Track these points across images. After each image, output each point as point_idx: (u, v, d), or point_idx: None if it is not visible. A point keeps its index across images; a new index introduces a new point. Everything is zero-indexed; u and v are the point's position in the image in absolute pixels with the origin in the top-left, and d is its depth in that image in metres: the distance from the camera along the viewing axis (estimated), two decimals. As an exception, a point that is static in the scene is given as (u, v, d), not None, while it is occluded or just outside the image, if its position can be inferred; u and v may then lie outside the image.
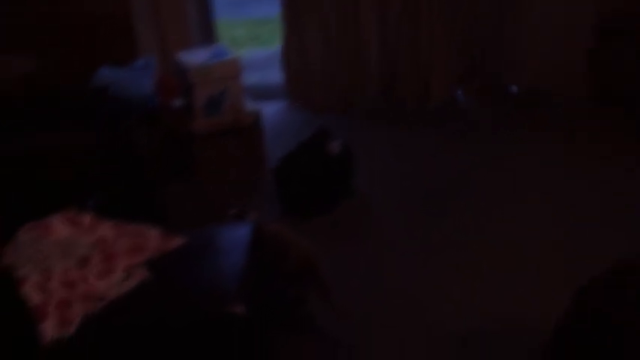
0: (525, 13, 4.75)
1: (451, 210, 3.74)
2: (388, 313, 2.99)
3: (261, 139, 4.23)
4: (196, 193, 4.00)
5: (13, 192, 2.93)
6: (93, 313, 2.17)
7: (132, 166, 3.45)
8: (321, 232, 3.58)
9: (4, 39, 4.16)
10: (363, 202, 3.92)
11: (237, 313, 2.12)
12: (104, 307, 2.19)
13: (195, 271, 2.34)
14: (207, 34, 5.04)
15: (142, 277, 2.28)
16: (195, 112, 4.04)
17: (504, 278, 3.17)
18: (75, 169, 3.11)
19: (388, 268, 3.31)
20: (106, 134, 3.36)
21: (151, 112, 3.91)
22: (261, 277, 2.47)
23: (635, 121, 4.48)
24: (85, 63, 4.09)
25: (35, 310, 2.14)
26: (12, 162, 3.07)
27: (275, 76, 5.24)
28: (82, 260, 2.38)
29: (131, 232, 2.51)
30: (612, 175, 3.91)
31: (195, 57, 4.10)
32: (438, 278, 3.21)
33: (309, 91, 5.03)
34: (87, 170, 3.11)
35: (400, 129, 4.77)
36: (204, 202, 3.92)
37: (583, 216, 3.58)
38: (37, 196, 2.91)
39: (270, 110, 4.90)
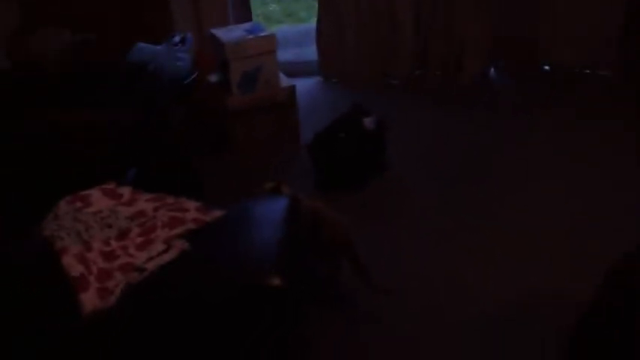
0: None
1: (478, 186, 3.75)
2: (403, 295, 2.98)
3: (295, 115, 4.26)
4: (231, 167, 4.03)
5: (49, 167, 2.96)
6: (133, 284, 2.20)
7: (169, 142, 3.47)
8: (351, 208, 3.52)
9: (40, 13, 4.20)
10: (395, 176, 3.94)
11: (275, 286, 2.14)
12: (144, 279, 2.22)
13: (232, 243, 2.36)
14: (242, 10, 5.05)
15: (182, 249, 2.31)
16: (231, 87, 4.06)
17: (520, 265, 3.16)
18: (112, 145, 3.13)
19: (408, 250, 3.32)
20: (143, 110, 3.39)
21: (188, 87, 3.95)
22: (298, 250, 2.48)
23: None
24: (120, 38, 4.13)
25: (76, 281, 2.17)
26: (47, 137, 3.09)
27: (309, 52, 5.25)
28: (121, 232, 2.42)
29: (170, 204, 2.55)
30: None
31: (230, 33, 4.12)
32: (455, 262, 3.22)
33: (343, 67, 5.04)
34: (125, 145, 3.13)
35: (431, 105, 4.77)
36: (239, 177, 3.95)
37: (602, 205, 3.54)
38: (74, 171, 2.94)
39: (305, 86, 4.91)
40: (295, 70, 4.97)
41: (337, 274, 2.95)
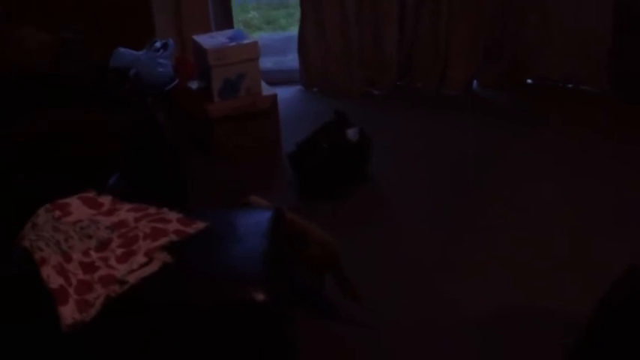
0: (548, 3, 4.69)
1: (464, 198, 3.73)
2: (402, 299, 2.99)
3: (277, 124, 4.22)
4: (211, 175, 3.99)
5: (28, 170, 2.90)
6: (113, 297, 2.14)
7: (152, 147, 3.42)
8: (333, 219, 3.53)
9: (18, 14, 4.13)
10: (379, 188, 3.91)
11: (259, 300, 2.10)
12: (125, 292, 2.16)
13: (215, 256, 2.31)
14: (223, 17, 5.00)
15: (164, 262, 2.25)
16: (212, 94, 4.02)
17: (519, 268, 3.16)
18: (93, 149, 3.07)
19: (401, 255, 3.31)
20: (125, 114, 3.33)
21: (169, 93, 3.90)
22: (282, 265, 2.44)
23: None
24: (100, 42, 4.08)
25: (55, 293, 2.11)
26: (27, 140, 3.03)
27: (290, 61, 5.21)
28: (102, 243, 2.36)
29: (151, 215, 2.49)
30: (629, 171, 3.87)
31: (212, 40, 4.09)
32: (453, 265, 3.21)
33: (325, 76, 4.99)
34: (106, 150, 3.07)
35: (416, 115, 4.74)
36: (219, 185, 3.90)
37: (598, 211, 3.55)
38: (54, 175, 2.88)
39: (286, 95, 4.85)
40: (275, 78, 4.92)
41: (322, 288, 2.91)
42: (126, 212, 2.52)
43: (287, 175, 3.90)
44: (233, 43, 4.02)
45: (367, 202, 3.77)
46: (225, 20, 5.00)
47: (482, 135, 4.37)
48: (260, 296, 2.12)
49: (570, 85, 4.89)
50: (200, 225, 2.44)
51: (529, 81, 4.99)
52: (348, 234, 3.27)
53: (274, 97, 4.15)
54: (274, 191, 3.76)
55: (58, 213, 2.49)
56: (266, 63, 5.15)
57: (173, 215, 2.48)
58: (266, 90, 4.19)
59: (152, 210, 2.53)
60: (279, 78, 5.05)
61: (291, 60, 5.16)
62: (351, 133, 3.76)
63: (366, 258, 3.26)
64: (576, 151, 4.12)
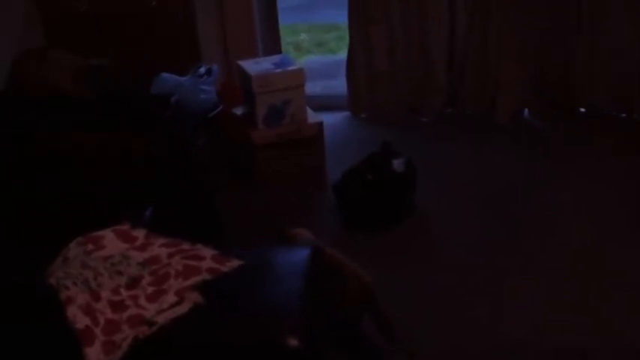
0: (600, 32, 4.56)
1: (508, 229, 3.63)
2: (439, 327, 2.93)
3: (322, 152, 4.13)
4: (254, 204, 3.92)
5: (60, 197, 2.84)
6: (141, 339, 2.06)
7: (190, 177, 3.35)
8: (377, 252, 3.47)
9: (66, 33, 4.12)
10: (424, 219, 3.81)
11: (291, 347, 2.00)
12: (153, 333, 2.08)
13: (249, 297, 2.22)
14: (271, 41, 4.94)
15: (195, 302, 2.17)
16: (257, 121, 3.95)
17: (557, 299, 3.10)
18: (132, 178, 3.01)
19: (445, 292, 3.21)
20: (165, 142, 3.27)
21: (212, 120, 3.84)
22: (318, 307, 2.34)
23: None
24: (144, 66, 4.05)
25: (81, 334, 2.04)
26: (60, 162, 2.98)
27: (340, 85, 5.12)
28: (133, 280, 2.28)
29: (185, 251, 2.41)
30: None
31: (258, 66, 4.02)
32: (495, 302, 3.12)
33: (373, 102, 4.90)
34: (144, 180, 3.00)
35: (464, 144, 4.63)
36: (262, 214, 3.83)
37: (633, 251, 3.42)
38: (90, 205, 2.82)
39: (332, 122, 4.76)
40: (323, 103, 4.87)
41: (359, 330, 2.80)
42: (159, 247, 2.45)
43: (331, 205, 3.81)
44: (278, 70, 3.95)
45: (411, 234, 3.68)
46: (273, 44, 4.94)
47: (530, 165, 4.25)
48: (293, 341, 2.02)
49: (624, 115, 4.73)
50: (235, 263, 2.35)
51: (581, 110, 4.83)
52: (388, 267, 3.22)
53: (320, 124, 4.07)
54: (317, 222, 3.67)
55: (90, 247, 2.44)
56: (314, 87, 5.12)
57: (207, 252, 2.40)
58: (312, 117, 4.11)
59: (186, 246, 2.45)
60: (327, 103, 4.99)
61: (341, 84, 5.07)
62: (397, 164, 3.67)
63: (405, 292, 3.16)
64: (625, 184, 3.98)
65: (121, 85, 3.68)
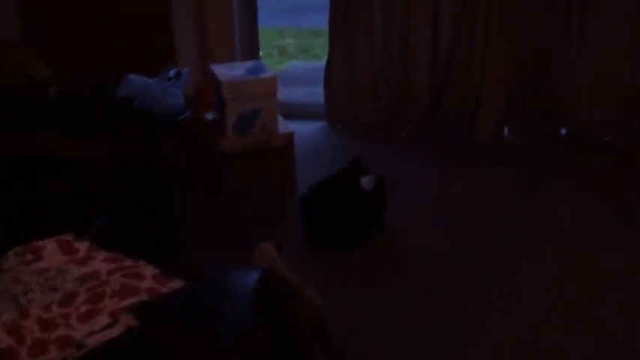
0: (587, 54, 4.46)
1: (482, 252, 3.52)
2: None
3: (292, 163, 4.02)
4: (219, 212, 3.82)
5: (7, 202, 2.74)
6: (68, 362, 1.95)
7: (150, 183, 3.25)
8: (343, 270, 3.39)
9: (30, 31, 4.03)
10: (392, 240, 3.69)
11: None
12: (82, 356, 1.96)
13: (188, 321, 2.11)
14: (250, 45, 4.83)
15: (128, 325, 2.05)
16: (226, 128, 3.84)
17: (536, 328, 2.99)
18: (86, 182, 2.91)
19: (409, 316, 3.09)
20: (125, 146, 3.16)
21: (180, 125, 3.74)
22: (266, 332, 2.23)
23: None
24: (116, 65, 3.96)
25: (5, 353, 1.92)
26: (17, 165, 2.87)
27: (319, 93, 5.00)
28: (67, 296, 2.17)
29: (126, 268, 2.30)
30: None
31: (230, 71, 3.91)
32: (463, 328, 3.01)
33: (351, 113, 4.80)
34: (93, 186, 2.90)
35: (442, 161, 4.53)
36: (226, 224, 3.73)
37: (614, 273, 3.35)
38: (37, 206, 2.71)
39: (309, 131, 4.70)
40: (302, 111, 4.79)
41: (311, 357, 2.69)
42: (100, 262, 2.34)
43: (298, 218, 3.68)
44: (250, 77, 3.85)
45: (378, 254, 3.56)
46: (252, 48, 4.83)
47: (507, 185, 4.15)
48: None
49: (606, 139, 4.65)
50: (176, 284, 2.24)
51: (563, 131, 4.74)
52: (350, 287, 3.17)
53: (291, 135, 3.96)
54: (283, 235, 3.56)
55: (29, 257, 2.34)
56: (295, 94, 5.02)
57: (149, 271, 2.29)
58: (283, 126, 4.00)
59: (128, 262, 2.34)
60: (306, 110, 4.92)
61: (321, 93, 4.95)
62: (365, 181, 3.56)
63: (368, 315, 3.07)
64: (601, 208, 3.91)
65: (84, 86, 3.57)
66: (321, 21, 4.79)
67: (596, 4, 4.36)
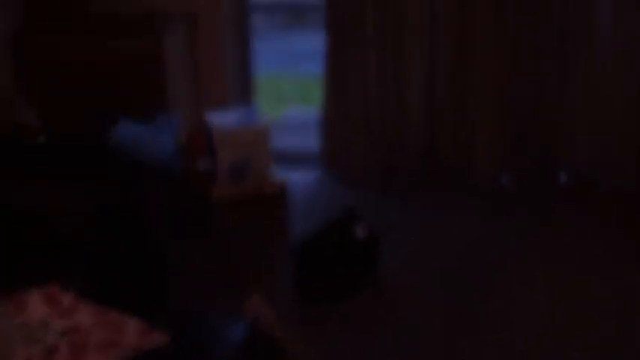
0: (583, 97, 4.47)
1: (476, 309, 3.47)
2: None
3: (284, 213, 3.97)
4: (209, 262, 3.75)
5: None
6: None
7: (137, 232, 3.20)
8: (334, 322, 3.36)
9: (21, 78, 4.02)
10: (385, 291, 3.66)
11: None
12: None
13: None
14: (244, 90, 4.81)
15: (109, 381, 2.00)
16: (217, 176, 3.80)
17: None
18: (69, 233, 2.87)
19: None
20: (111, 195, 3.12)
21: (170, 172, 3.71)
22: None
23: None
24: (105, 110, 3.94)
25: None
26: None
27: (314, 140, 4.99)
28: (48, 349, 2.12)
29: (109, 322, 2.25)
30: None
31: (222, 118, 3.88)
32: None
33: (346, 160, 4.77)
34: (83, 235, 2.86)
35: (437, 208, 4.48)
36: (218, 274, 3.65)
37: (610, 322, 3.33)
38: (20, 258, 2.67)
39: (303, 178, 4.67)
40: (296, 157, 4.80)
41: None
42: (84, 315, 2.30)
43: (289, 268, 3.63)
44: (243, 125, 3.82)
45: (372, 306, 3.52)
46: (246, 93, 4.82)
47: (502, 229, 4.14)
48: None
49: (606, 183, 4.60)
50: (160, 338, 2.19)
51: (562, 175, 4.72)
52: (340, 340, 3.13)
53: (284, 183, 3.92)
54: (273, 286, 3.52)
55: (11, 308, 2.29)
56: (292, 140, 5.02)
57: (132, 324, 2.24)
58: (276, 174, 3.95)
59: (113, 315, 2.30)
60: (301, 157, 4.91)
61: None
62: (359, 230, 3.53)
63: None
64: (600, 256, 3.87)
65: (74, 133, 3.54)
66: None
67: (593, 50, 4.37)
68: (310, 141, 5.03)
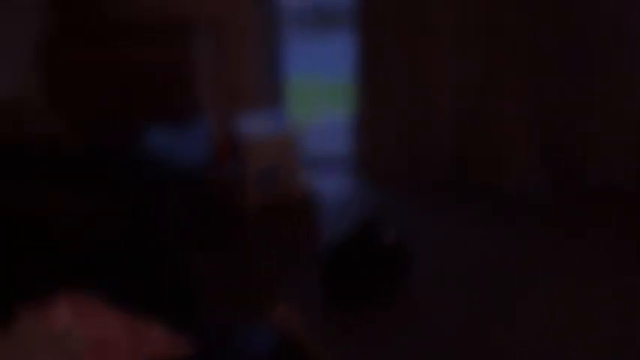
0: (615, 107, 4.43)
1: (504, 311, 3.46)
2: None
3: (314, 220, 3.95)
4: (239, 270, 3.75)
5: (19, 260, 2.70)
6: None
7: (161, 240, 3.19)
8: (364, 329, 3.31)
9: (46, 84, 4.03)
10: (414, 297, 3.62)
11: None
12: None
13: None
14: (274, 95, 4.81)
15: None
16: (245, 183, 3.79)
17: None
18: (100, 240, 2.86)
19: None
20: (135, 203, 3.11)
21: (198, 179, 3.70)
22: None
23: None
24: (135, 116, 3.95)
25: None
26: (24, 224, 2.82)
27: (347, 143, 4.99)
28: (72, 357, 2.12)
29: (134, 330, 2.25)
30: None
31: (251, 125, 3.87)
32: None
33: (377, 164, 4.75)
34: (113, 243, 2.85)
35: (465, 216, 4.44)
36: (246, 282, 3.67)
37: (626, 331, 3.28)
38: (48, 266, 2.67)
39: (335, 185, 4.66)
40: (328, 161, 4.83)
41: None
42: (109, 322, 2.29)
43: (317, 275, 3.64)
44: (271, 132, 3.80)
45: (400, 313, 3.49)
46: (278, 98, 4.82)
47: (529, 241, 4.09)
48: None
49: (633, 189, 4.58)
50: (185, 349, 2.18)
51: (591, 185, 4.67)
52: (371, 346, 3.12)
53: (312, 189, 3.90)
54: (302, 294, 3.52)
55: (40, 315, 2.28)
56: (323, 144, 5.06)
57: (158, 332, 2.24)
58: (306, 180, 3.94)
59: (139, 324, 2.29)
60: (332, 161, 4.95)
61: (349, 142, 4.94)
62: (388, 237, 3.51)
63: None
64: (627, 261, 3.84)
65: (101, 139, 3.54)
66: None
67: (619, 56, 4.33)
68: (340, 145, 5.03)
